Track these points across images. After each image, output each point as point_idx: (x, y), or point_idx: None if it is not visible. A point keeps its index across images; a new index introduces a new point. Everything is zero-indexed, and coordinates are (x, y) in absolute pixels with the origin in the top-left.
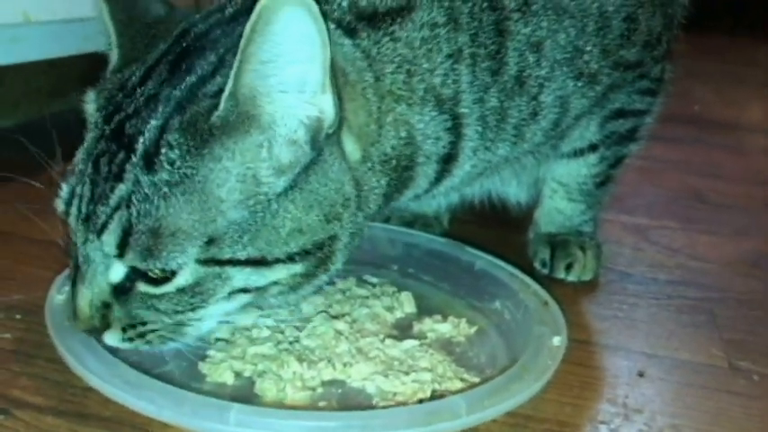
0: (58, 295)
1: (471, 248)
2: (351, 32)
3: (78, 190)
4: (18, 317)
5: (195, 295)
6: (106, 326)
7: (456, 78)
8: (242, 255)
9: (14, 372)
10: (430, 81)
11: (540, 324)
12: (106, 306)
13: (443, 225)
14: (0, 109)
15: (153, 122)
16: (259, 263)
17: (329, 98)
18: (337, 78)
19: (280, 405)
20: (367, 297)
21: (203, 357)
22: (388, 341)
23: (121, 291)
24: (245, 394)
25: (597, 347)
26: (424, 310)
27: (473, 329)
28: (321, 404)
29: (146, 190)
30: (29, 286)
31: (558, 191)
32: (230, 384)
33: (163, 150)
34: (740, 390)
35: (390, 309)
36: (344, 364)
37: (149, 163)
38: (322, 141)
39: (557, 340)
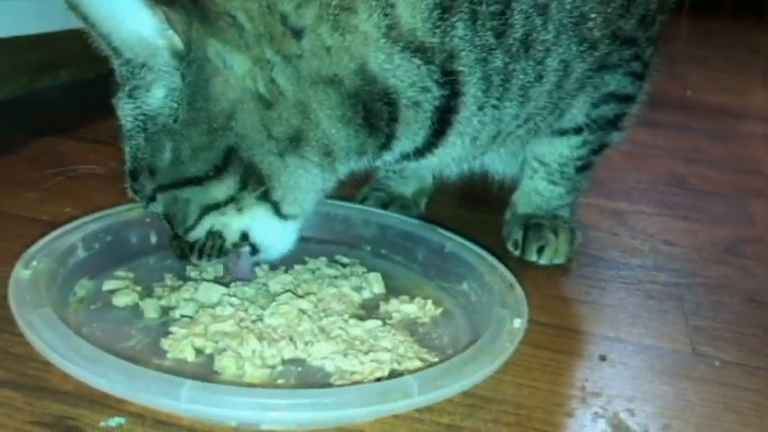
0: (23, 270)
1: (443, 230)
2: None
3: None
4: None
5: (177, 215)
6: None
7: (446, 31)
8: (168, 180)
9: None
10: (393, 22)
11: (502, 306)
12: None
13: (420, 208)
14: None
15: None
16: (190, 182)
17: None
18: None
19: (238, 382)
20: (335, 277)
21: (166, 334)
22: (351, 321)
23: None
24: (204, 371)
25: (561, 331)
26: (392, 290)
27: (439, 311)
28: (279, 382)
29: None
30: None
31: (538, 171)
32: (190, 361)
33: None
34: (700, 375)
35: (358, 289)
36: (306, 343)
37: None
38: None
39: (517, 323)
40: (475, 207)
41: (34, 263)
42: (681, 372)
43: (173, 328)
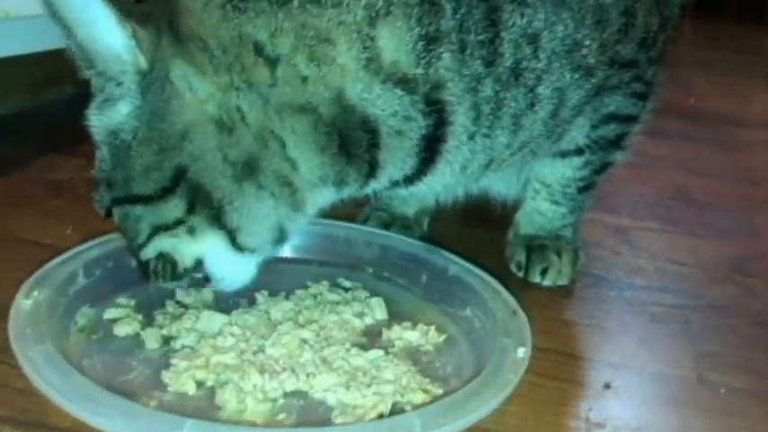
0: (24, 300)
1: (446, 252)
2: None
3: None
4: None
5: (129, 230)
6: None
7: (431, 62)
8: (122, 194)
9: None
10: (374, 54)
11: (506, 335)
12: None
13: (422, 228)
14: None
15: None
16: (139, 200)
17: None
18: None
19: (239, 417)
20: (337, 303)
21: (167, 365)
22: (353, 350)
23: None
24: (205, 405)
25: (565, 357)
26: (395, 315)
27: (442, 338)
28: (281, 417)
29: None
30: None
31: (540, 192)
32: (191, 395)
33: None
34: (706, 404)
35: (360, 315)
36: (307, 375)
37: None
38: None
39: (521, 352)
40: (478, 225)
41: (35, 293)
42: (686, 400)
43: (174, 360)
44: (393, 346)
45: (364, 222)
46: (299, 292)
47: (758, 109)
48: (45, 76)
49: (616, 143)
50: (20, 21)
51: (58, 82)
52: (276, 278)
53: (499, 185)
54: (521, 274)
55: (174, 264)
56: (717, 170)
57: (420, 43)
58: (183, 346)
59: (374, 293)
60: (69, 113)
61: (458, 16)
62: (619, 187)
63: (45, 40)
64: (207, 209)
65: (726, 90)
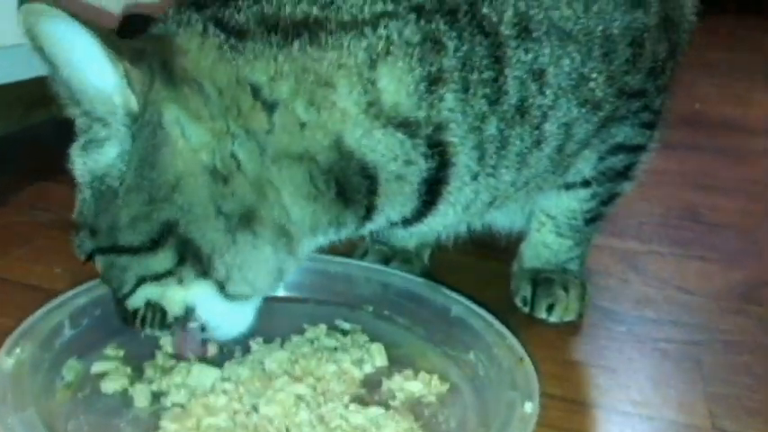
0: (7, 358)
1: (448, 291)
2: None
3: None
4: None
5: (114, 279)
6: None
7: (433, 104)
8: (107, 243)
9: None
10: (374, 98)
11: (512, 387)
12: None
13: (423, 260)
14: None
15: None
16: (125, 251)
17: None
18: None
19: None
20: (335, 349)
21: (156, 428)
22: (352, 406)
23: None
24: None
25: (573, 405)
26: (395, 361)
27: (445, 387)
28: None
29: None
30: None
31: (546, 224)
32: None
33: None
34: None
35: (359, 363)
36: None
37: None
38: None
39: (528, 407)
40: (481, 256)
41: (17, 350)
42: None
43: (163, 422)
44: (394, 398)
45: (363, 256)
46: (295, 338)
47: (758, 113)
48: (33, 98)
49: (624, 174)
50: (8, 49)
51: (46, 103)
52: (271, 321)
53: (503, 219)
54: (526, 310)
55: (163, 312)
56: (723, 183)
57: (422, 84)
58: (174, 404)
59: (374, 335)
60: (58, 136)
61: (460, 54)
62: (624, 206)
63: (36, 66)
64: (196, 261)
65: (729, 93)
